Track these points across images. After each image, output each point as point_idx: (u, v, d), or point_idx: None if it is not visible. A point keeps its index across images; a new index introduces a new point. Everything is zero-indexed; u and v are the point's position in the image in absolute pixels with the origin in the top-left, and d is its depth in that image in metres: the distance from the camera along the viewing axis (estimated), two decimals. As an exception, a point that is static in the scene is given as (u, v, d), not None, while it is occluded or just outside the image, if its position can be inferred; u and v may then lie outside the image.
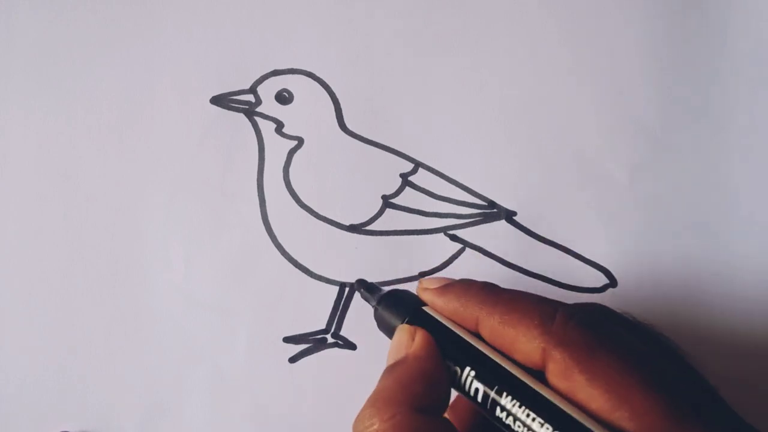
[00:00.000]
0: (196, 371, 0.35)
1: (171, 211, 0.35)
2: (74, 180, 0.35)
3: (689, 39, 0.36)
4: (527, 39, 0.36)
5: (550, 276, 0.35)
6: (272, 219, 0.35)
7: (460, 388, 0.25)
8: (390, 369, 0.25)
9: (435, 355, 0.25)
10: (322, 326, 0.35)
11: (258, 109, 0.36)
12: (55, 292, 0.35)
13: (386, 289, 0.30)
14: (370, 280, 0.35)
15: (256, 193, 0.35)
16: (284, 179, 0.35)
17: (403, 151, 0.36)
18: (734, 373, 0.35)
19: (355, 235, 0.35)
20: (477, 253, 0.35)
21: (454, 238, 0.35)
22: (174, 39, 0.36)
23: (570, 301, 0.35)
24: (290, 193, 0.35)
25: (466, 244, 0.35)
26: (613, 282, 0.35)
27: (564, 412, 0.22)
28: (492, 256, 0.35)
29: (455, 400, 0.28)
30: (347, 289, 0.35)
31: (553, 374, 0.23)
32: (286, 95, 0.36)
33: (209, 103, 0.36)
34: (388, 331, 0.28)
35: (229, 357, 0.35)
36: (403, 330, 0.27)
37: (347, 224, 0.35)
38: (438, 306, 0.27)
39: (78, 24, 0.36)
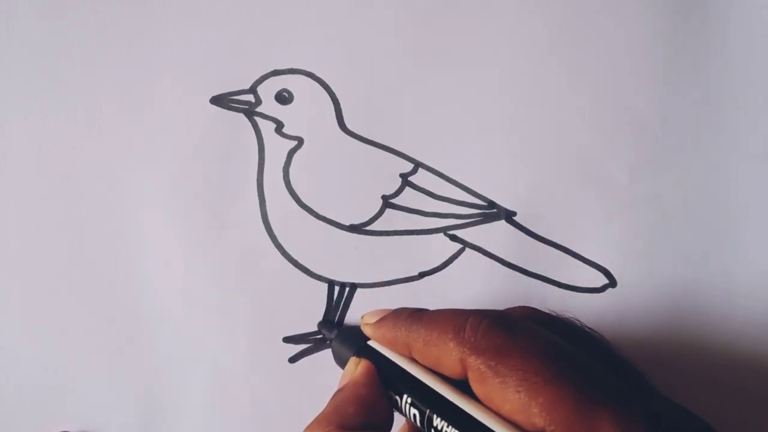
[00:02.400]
0: (196, 371, 0.35)
1: (171, 211, 0.35)
2: (74, 180, 0.35)
3: (690, 39, 0.36)
4: (527, 39, 0.36)
5: (549, 276, 0.35)
6: (272, 219, 0.35)
7: (404, 414, 0.27)
8: (332, 396, 0.27)
9: (372, 382, 0.27)
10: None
11: (258, 109, 0.36)
12: (55, 292, 0.35)
13: (341, 328, 0.33)
14: (370, 280, 0.35)
15: (256, 193, 0.36)
16: (284, 179, 0.36)
17: (403, 151, 0.36)
18: (734, 372, 0.35)
19: (355, 235, 0.35)
20: (477, 253, 0.35)
21: (454, 238, 0.35)
22: (174, 39, 0.36)
23: (570, 301, 0.35)
24: (290, 193, 0.35)
25: (466, 244, 0.35)
26: (612, 282, 0.35)
27: (483, 425, 0.23)
28: (492, 256, 0.35)
29: None
30: (347, 289, 0.35)
31: (473, 382, 0.24)
32: (286, 95, 0.36)
33: (209, 103, 0.36)
34: (343, 364, 0.30)
35: (229, 357, 0.35)
36: (350, 362, 0.29)
37: (347, 224, 0.35)
38: (377, 338, 0.29)
39: (78, 24, 0.36)
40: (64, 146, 0.36)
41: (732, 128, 0.35)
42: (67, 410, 0.35)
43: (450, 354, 0.25)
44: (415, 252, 0.35)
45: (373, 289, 0.35)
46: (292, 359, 0.35)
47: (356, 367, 0.28)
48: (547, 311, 0.29)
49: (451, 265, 0.35)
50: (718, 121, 0.35)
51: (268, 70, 0.36)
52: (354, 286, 0.35)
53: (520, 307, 0.30)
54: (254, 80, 0.36)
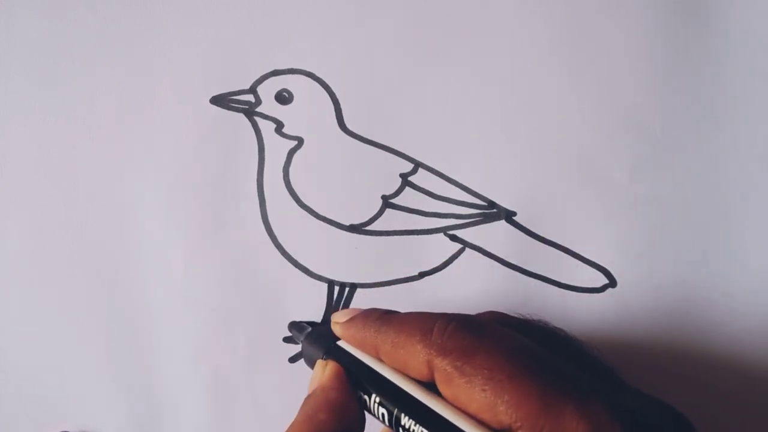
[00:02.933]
0: (196, 371, 0.35)
1: (171, 211, 0.35)
2: (74, 180, 0.35)
3: (690, 39, 0.36)
4: (527, 39, 0.36)
5: (549, 276, 0.35)
6: (272, 219, 0.35)
7: (371, 413, 0.27)
8: (303, 401, 0.28)
9: (341, 385, 0.27)
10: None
11: (258, 109, 0.36)
12: (55, 291, 0.35)
13: (310, 328, 0.33)
14: (370, 280, 0.35)
15: (256, 193, 0.36)
16: (284, 179, 0.36)
17: (403, 151, 0.36)
18: (733, 372, 0.35)
19: (355, 235, 0.35)
20: (477, 253, 0.35)
21: (454, 238, 0.35)
22: (174, 39, 0.36)
23: (570, 301, 0.35)
24: (290, 193, 0.35)
25: (465, 244, 0.35)
26: (612, 282, 0.35)
27: (450, 423, 0.24)
28: (492, 256, 0.35)
29: None
30: (347, 289, 0.35)
31: (439, 383, 0.25)
32: (286, 95, 0.36)
33: (209, 103, 0.36)
34: (312, 365, 0.30)
35: (229, 357, 0.35)
36: (317, 364, 0.29)
37: (347, 224, 0.35)
38: (346, 338, 0.29)
39: (78, 24, 0.36)
40: (64, 146, 0.36)
41: (732, 128, 0.35)
42: (67, 410, 0.35)
43: (417, 356, 0.25)
44: (415, 252, 0.35)
45: (373, 289, 0.35)
46: (292, 359, 0.35)
47: (323, 369, 0.28)
48: (515, 315, 0.30)
49: (451, 265, 0.35)
50: (718, 121, 0.35)
51: (268, 70, 0.36)
52: (354, 286, 0.35)
53: (488, 312, 0.30)
54: (254, 80, 0.36)
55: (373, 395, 0.26)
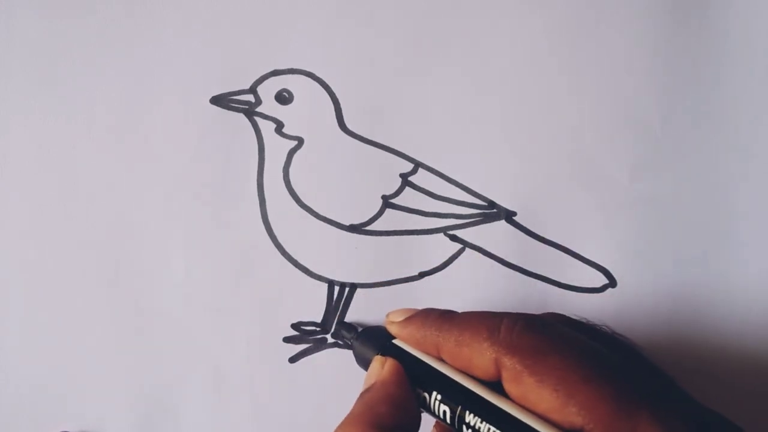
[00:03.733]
0: (196, 371, 0.35)
1: (171, 211, 0.35)
2: (74, 180, 0.35)
3: (690, 39, 0.36)
4: (527, 38, 0.36)
5: (549, 276, 0.35)
6: (272, 219, 0.35)
7: (431, 412, 0.27)
8: (360, 395, 0.27)
9: (401, 381, 0.27)
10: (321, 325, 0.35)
11: (258, 109, 0.36)
12: (55, 292, 0.35)
13: (361, 328, 0.33)
14: (370, 280, 0.35)
15: (256, 193, 0.36)
16: (284, 179, 0.36)
17: (403, 151, 0.36)
18: (733, 372, 0.35)
19: (355, 235, 0.35)
20: (477, 253, 0.35)
21: (454, 238, 0.35)
22: (174, 39, 0.36)
23: (570, 301, 0.35)
24: (290, 193, 0.35)
25: (466, 244, 0.35)
26: (612, 282, 0.35)
27: (519, 420, 0.23)
28: (492, 256, 0.35)
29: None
30: (347, 289, 0.35)
31: (507, 381, 0.24)
32: (286, 95, 0.36)
33: (209, 103, 0.36)
34: (365, 364, 0.30)
35: (229, 357, 0.35)
36: (375, 360, 0.29)
37: (347, 224, 0.35)
38: (404, 337, 0.29)
39: (78, 24, 0.36)
40: (64, 146, 0.36)
41: (732, 128, 0.35)
42: (67, 410, 0.35)
43: (483, 354, 0.25)
44: (415, 252, 0.35)
45: (373, 289, 0.35)
46: (292, 359, 0.35)
47: (382, 366, 0.28)
48: (576, 318, 0.29)
49: (451, 265, 0.35)
50: (718, 121, 0.35)
51: (268, 70, 0.36)
52: (354, 286, 0.35)
53: (550, 313, 0.30)
54: (254, 80, 0.36)
55: (434, 393, 0.26)
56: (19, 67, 0.36)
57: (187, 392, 0.35)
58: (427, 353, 0.28)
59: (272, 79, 0.36)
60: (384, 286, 0.35)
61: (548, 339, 0.24)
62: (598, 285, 0.35)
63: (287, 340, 0.35)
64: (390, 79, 0.36)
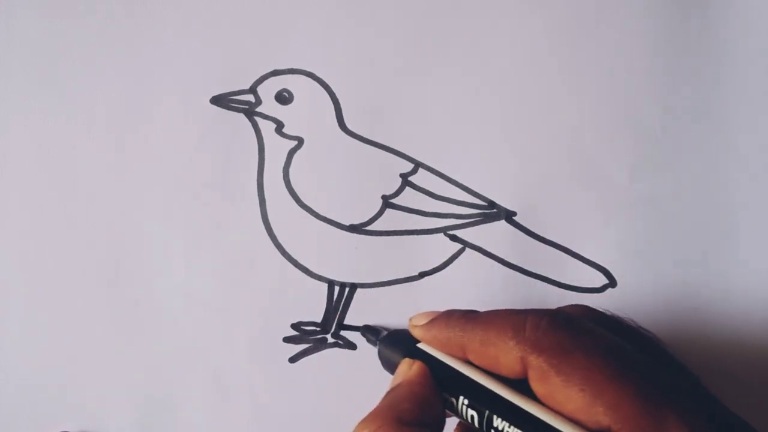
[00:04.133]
0: (196, 371, 0.35)
1: (171, 211, 0.35)
2: (74, 180, 0.35)
3: (690, 39, 0.36)
4: (527, 39, 0.36)
5: (549, 276, 0.35)
6: (272, 219, 0.35)
7: (459, 415, 0.26)
8: (386, 394, 0.27)
9: (426, 381, 0.27)
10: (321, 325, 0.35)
11: (258, 109, 0.36)
12: (55, 292, 0.35)
13: (385, 331, 0.33)
14: (370, 280, 0.35)
15: (256, 193, 0.36)
16: (284, 179, 0.36)
17: (403, 151, 0.36)
18: (733, 372, 0.35)
19: (355, 235, 0.35)
20: (477, 253, 0.35)
21: (454, 238, 0.35)
22: (174, 39, 0.36)
23: (569, 301, 0.35)
24: (290, 193, 0.35)
25: (466, 244, 0.35)
26: (612, 282, 0.35)
27: (547, 424, 0.23)
28: (492, 256, 0.35)
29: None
30: (347, 289, 0.35)
31: (533, 380, 0.24)
32: (286, 95, 0.36)
33: (209, 103, 0.36)
34: (390, 367, 0.30)
35: (229, 357, 0.35)
36: (403, 363, 0.29)
37: (347, 224, 0.35)
38: (428, 340, 0.28)
39: (78, 24, 0.36)
40: (64, 146, 0.36)
41: (732, 128, 0.35)
42: (67, 410, 0.35)
43: (509, 353, 0.24)
44: (415, 252, 0.35)
45: (373, 289, 0.35)
46: (292, 359, 0.35)
47: (409, 367, 0.28)
48: (601, 309, 0.29)
49: (451, 265, 0.35)
50: (718, 121, 0.35)
51: (268, 70, 0.36)
52: (354, 286, 0.35)
53: (573, 306, 0.29)
54: (254, 80, 0.36)
55: (462, 397, 0.26)
56: (19, 67, 0.36)
57: (187, 392, 0.35)
58: (452, 355, 0.27)
59: (272, 79, 0.36)
60: (384, 286, 0.35)
61: (574, 336, 0.24)
62: (598, 285, 0.35)
63: (287, 340, 0.35)
64: (390, 79, 0.36)
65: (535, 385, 0.24)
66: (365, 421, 0.25)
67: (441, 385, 0.27)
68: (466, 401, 0.26)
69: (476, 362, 0.26)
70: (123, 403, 0.35)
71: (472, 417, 0.25)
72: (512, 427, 0.24)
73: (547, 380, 0.23)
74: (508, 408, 0.24)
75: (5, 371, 0.35)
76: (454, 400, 0.26)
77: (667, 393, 0.22)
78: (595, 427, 0.22)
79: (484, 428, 0.25)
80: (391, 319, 0.35)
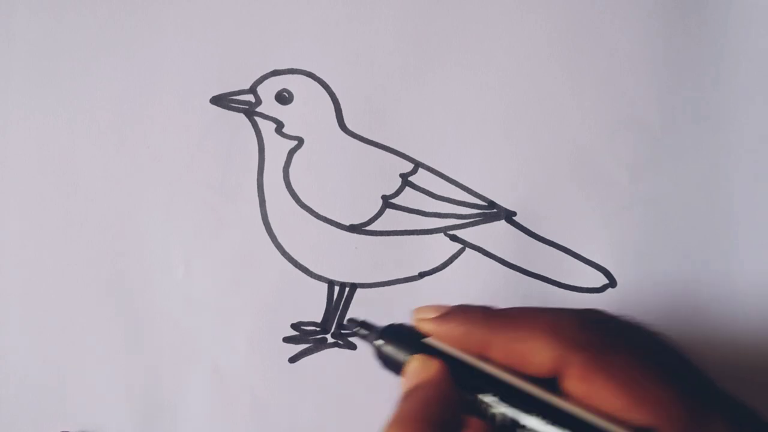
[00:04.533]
0: (196, 371, 0.35)
1: (171, 211, 0.35)
2: (74, 180, 0.35)
3: (689, 39, 0.36)
4: (527, 39, 0.36)
5: (549, 276, 0.35)
6: (272, 219, 0.35)
7: (481, 414, 0.25)
8: (407, 394, 0.26)
9: (448, 379, 0.26)
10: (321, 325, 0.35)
11: (258, 109, 0.36)
12: (55, 291, 0.35)
13: (380, 325, 0.30)
14: (370, 280, 0.35)
15: (256, 193, 0.36)
16: (284, 179, 0.36)
17: (403, 151, 0.36)
18: (733, 373, 0.35)
19: (355, 235, 0.35)
20: (477, 253, 0.35)
21: (454, 238, 0.35)
22: (174, 39, 0.36)
23: (570, 301, 0.35)
24: (290, 193, 0.35)
25: (466, 244, 0.35)
26: (612, 282, 0.35)
27: (588, 423, 0.22)
28: (492, 256, 0.35)
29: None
30: (347, 289, 0.35)
31: (571, 378, 0.23)
32: (286, 95, 0.36)
33: (209, 103, 0.36)
34: (392, 364, 0.28)
35: (229, 357, 0.35)
36: (415, 360, 0.27)
37: (347, 224, 0.35)
38: (440, 335, 0.27)
39: (78, 24, 0.36)
40: (64, 146, 0.36)
41: (732, 129, 0.35)
42: (67, 410, 0.35)
43: (542, 351, 0.24)
44: (415, 252, 0.35)
45: (373, 289, 0.35)
46: (292, 359, 0.35)
47: (426, 366, 0.26)
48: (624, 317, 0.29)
49: (451, 265, 0.35)
50: (718, 121, 0.35)
51: (268, 70, 0.36)
52: (354, 286, 0.35)
53: (589, 309, 0.29)
54: (254, 80, 0.36)
55: (488, 395, 0.25)
56: (19, 67, 0.36)
57: (186, 392, 0.35)
58: (468, 351, 0.26)
59: (272, 79, 0.36)
60: (384, 286, 0.35)
61: (615, 335, 0.23)
62: (598, 285, 0.35)
63: (287, 340, 0.35)
64: (390, 79, 0.36)
65: (573, 384, 0.23)
66: (392, 428, 0.24)
67: (458, 381, 0.26)
68: (494, 398, 0.24)
69: (499, 359, 0.25)
70: (123, 403, 0.35)
71: (500, 416, 0.24)
72: (550, 425, 0.23)
73: (589, 379, 0.23)
74: (545, 406, 0.23)
75: (5, 371, 0.35)
76: (476, 397, 0.25)
77: (713, 395, 0.22)
78: (638, 426, 0.22)
79: (509, 426, 0.24)
80: (391, 320, 0.35)
